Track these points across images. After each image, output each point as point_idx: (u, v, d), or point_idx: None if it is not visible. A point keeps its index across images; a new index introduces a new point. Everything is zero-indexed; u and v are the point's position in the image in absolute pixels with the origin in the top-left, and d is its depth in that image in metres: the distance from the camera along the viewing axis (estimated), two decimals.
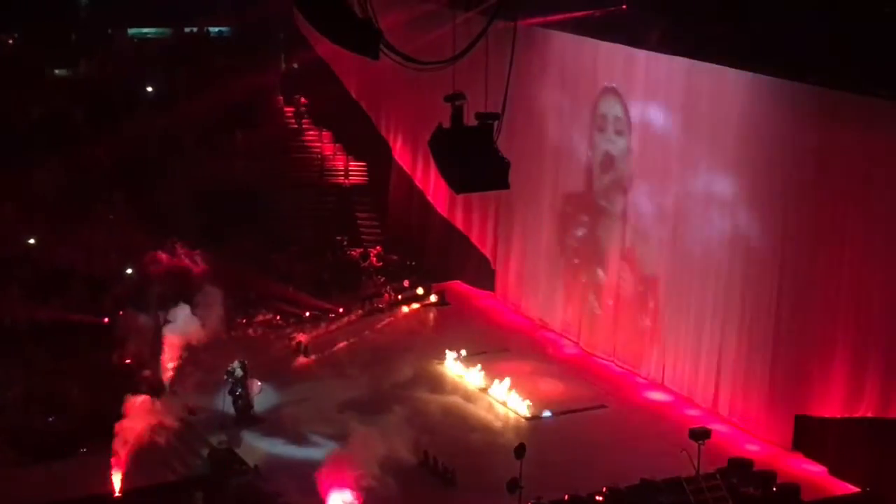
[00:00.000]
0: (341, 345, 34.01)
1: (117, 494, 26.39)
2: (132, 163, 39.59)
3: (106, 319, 33.65)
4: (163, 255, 35.99)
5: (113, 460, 26.55)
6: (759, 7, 26.76)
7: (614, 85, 32.14)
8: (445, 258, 39.16)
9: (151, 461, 27.41)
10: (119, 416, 27.23)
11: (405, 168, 40.58)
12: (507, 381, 30.85)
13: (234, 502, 25.93)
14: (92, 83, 42.98)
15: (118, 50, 44.99)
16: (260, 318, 35.32)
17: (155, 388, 29.66)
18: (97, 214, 37.28)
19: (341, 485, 24.29)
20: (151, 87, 43.37)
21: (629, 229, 32.40)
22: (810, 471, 27.29)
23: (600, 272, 33.35)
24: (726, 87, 29.05)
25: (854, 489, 26.39)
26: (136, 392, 28.31)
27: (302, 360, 32.87)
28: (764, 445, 28.42)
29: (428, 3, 34.72)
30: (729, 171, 29.37)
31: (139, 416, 27.37)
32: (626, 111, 31.89)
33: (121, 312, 33.29)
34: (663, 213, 31.36)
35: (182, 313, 30.52)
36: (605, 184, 33.01)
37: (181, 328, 30.28)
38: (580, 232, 34.02)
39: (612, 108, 32.37)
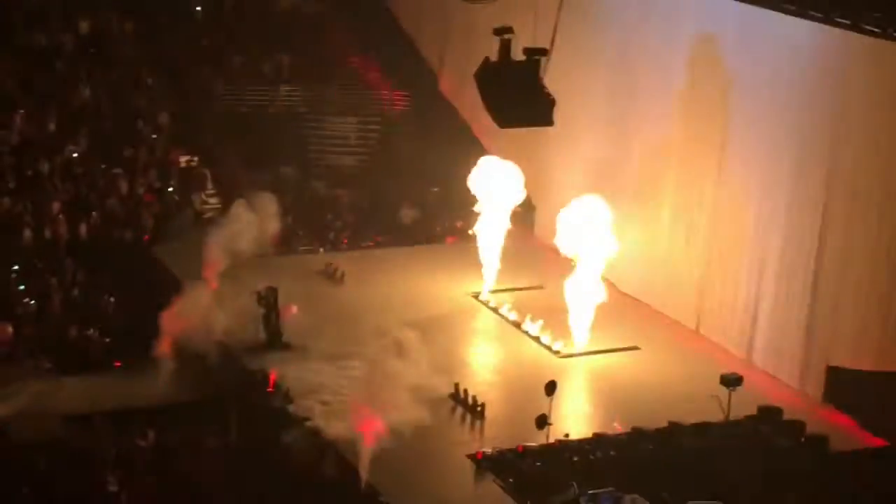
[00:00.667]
0: (377, 272, 34.14)
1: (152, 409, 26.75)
2: (176, 83, 39.67)
3: (146, 237, 33.90)
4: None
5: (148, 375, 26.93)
6: None
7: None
8: None
9: (185, 377, 27.77)
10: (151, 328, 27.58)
11: (452, 101, 40.36)
12: (541, 319, 30.90)
13: (264, 423, 26.21)
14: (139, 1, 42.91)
15: None
16: (297, 242, 35.52)
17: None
18: (140, 133, 37.39)
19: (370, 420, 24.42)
20: (196, 6, 43.16)
21: (676, 170, 32.23)
22: (840, 422, 27.31)
23: (643, 214, 33.18)
24: (789, 39, 28.55)
25: (883, 442, 26.43)
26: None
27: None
28: (796, 395, 28.44)
29: None
30: (781, 128, 29.04)
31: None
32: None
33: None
34: (709, 158, 31.19)
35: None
36: (658, 124, 32.76)
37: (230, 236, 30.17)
38: (623, 171, 33.84)
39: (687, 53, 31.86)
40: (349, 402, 25.44)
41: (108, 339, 29.60)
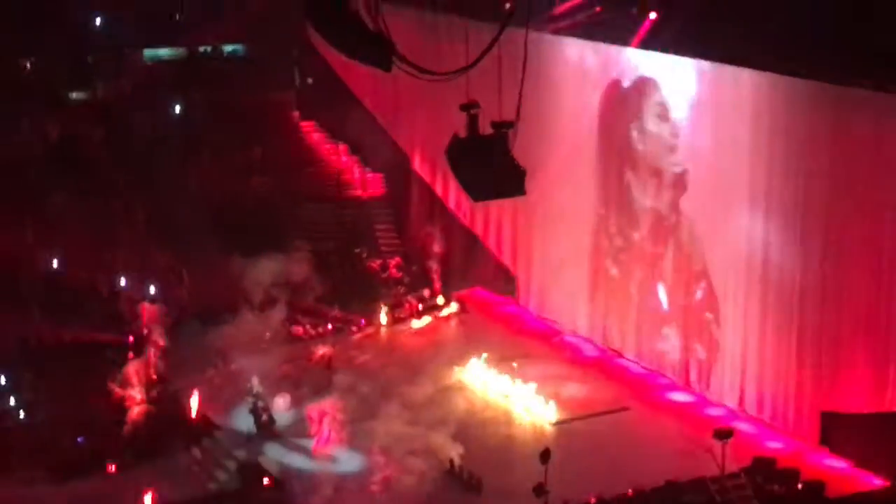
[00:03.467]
0: (362, 357, 34.17)
1: None
2: (151, 182, 39.85)
3: (130, 338, 33.89)
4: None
5: (142, 478, 26.79)
6: (769, 6, 26.87)
7: (653, 77, 32.14)
8: (467, 266, 39.27)
9: (179, 477, 27.67)
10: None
11: (424, 178, 40.72)
12: (531, 385, 30.95)
13: None
14: (108, 105, 43.25)
15: (133, 71, 45.23)
16: (281, 332, 35.52)
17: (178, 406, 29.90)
18: (118, 235, 37.49)
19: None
20: (167, 107, 43.63)
21: (652, 228, 32.50)
22: (836, 467, 27.32)
23: (624, 270, 33.41)
24: (741, 88, 29.14)
25: (881, 484, 26.43)
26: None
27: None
28: (789, 442, 28.48)
29: (439, 14, 34.86)
30: (747, 171, 29.40)
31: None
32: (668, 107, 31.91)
33: (145, 331, 33.55)
34: (685, 211, 31.47)
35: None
36: (624, 184, 33.08)
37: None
38: (599, 231, 34.11)
39: (646, 104, 32.40)
40: (346, 490, 25.44)
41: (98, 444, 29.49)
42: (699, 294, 31.33)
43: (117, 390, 30.86)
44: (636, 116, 32.31)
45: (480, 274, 38.86)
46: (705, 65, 29.87)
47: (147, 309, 34.04)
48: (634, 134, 32.50)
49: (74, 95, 44.08)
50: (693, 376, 31.51)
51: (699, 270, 31.24)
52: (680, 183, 31.46)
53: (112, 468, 28.52)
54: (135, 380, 30.98)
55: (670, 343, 32.14)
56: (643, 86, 32.04)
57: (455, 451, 27.41)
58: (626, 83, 32.51)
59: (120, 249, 37.00)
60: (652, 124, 31.94)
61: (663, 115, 31.66)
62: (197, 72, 44.39)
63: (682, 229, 31.66)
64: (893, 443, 26.45)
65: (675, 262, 31.92)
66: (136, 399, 30.59)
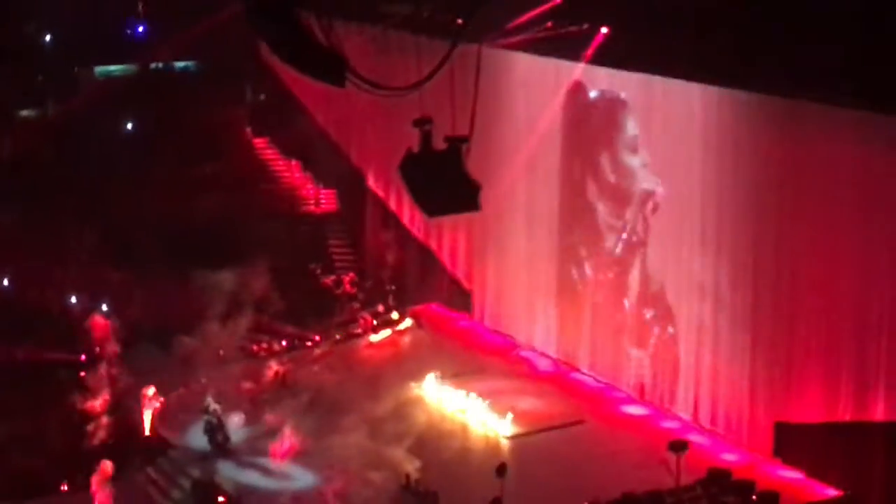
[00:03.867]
0: (318, 373, 34.09)
1: None
2: (102, 200, 39.60)
3: (83, 357, 33.67)
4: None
5: (95, 498, 26.57)
6: (719, 20, 27.04)
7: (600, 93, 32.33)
8: (422, 282, 39.31)
9: (134, 497, 27.49)
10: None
11: (379, 194, 40.71)
12: (486, 400, 30.97)
13: None
14: (59, 123, 42.98)
15: (84, 88, 45.00)
16: (236, 350, 35.38)
17: (132, 425, 29.73)
18: (69, 254, 37.25)
19: None
20: (119, 124, 43.40)
21: (607, 244, 32.63)
22: (790, 478, 27.49)
23: (577, 287, 33.55)
24: (693, 101, 29.36)
25: (833, 493, 26.63)
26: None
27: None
28: (744, 454, 28.63)
29: (391, 30, 34.89)
30: (697, 184, 29.65)
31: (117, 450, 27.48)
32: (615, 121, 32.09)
33: (98, 350, 33.34)
34: (640, 228, 31.63)
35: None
36: (581, 200, 33.21)
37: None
38: (555, 247, 34.22)
39: (592, 118, 32.58)
40: None
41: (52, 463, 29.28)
42: (653, 311, 31.49)
43: (79, 402, 30.64)
44: (606, 147, 32.37)
45: (435, 289, 38.90)
46: (657, 80, 30.05)
47: (98, 322, 33.81)
48: (605, 164, 32.56)
49: (24, 113, 43.79)
50: (647, 390, 31.62)
51: (656, 287, 31.39)
52: (647, 202, 31.61)
53: (65, 487, 28.27)
54: (96, 391, 30.76)
55: (625, 357, 32.26)
56: (611, 112, 32.12)
57: (411, 466, 27.38)
58: (585, 100, 32.58)
59: (71, 268, 36.74)
60: (625, 156, 32.07)
61: (633, 147, 31.84)
62: (149, 88, 44.21)
63: (643, 248, 31.82)
64: (845, 453, 26.68)
65: (632, 278, 32.05)
66: (97, 409, 30.34)
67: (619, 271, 32.48)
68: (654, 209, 31.29)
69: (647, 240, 31.60)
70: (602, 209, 32.77)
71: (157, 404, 30.75)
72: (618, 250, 32.43)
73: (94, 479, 26.96)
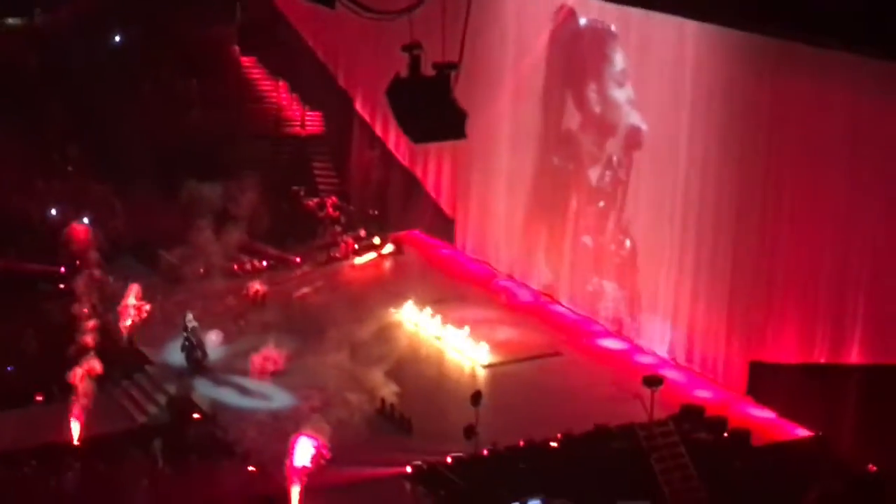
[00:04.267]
0: (297, 294, 34.16)
1: (76, 443, 26.54)
2: (87, 113, 39.37)
3: (62, 269, 33.62)
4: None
5: (71, 408, 26.66)
6: None
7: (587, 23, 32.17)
8: (405, 208, 39.31)
9: (109, 409, 27.60)
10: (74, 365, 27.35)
11: (365, 118, 40.55)
12: (464, 329, 31.08)
13: (191, 450, 26.11)
14: (45, 33, 42.57)
15: None
16: (217, 267, 35.38)
17: (111, 338, 29.74)
18: (52, 165, 37.09)
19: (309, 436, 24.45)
20: (107, 36, 43.01)
21: (590, 176, 32.59)
22: (762, 417, 27.74)
23: (560, 219, 33.56)
24: (685, 36, 29.21)
25: (805, 434, 26.88)
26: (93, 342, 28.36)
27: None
28: (718, 392, 28.85)
29: None
30: (683, 123, 29.61)
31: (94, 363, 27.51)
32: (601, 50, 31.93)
33: (77, 262, 33.29)
34: (623, 162, 31.62)
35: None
36: (567, 130, 33.13)
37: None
38: (540, 178, 34.20)
39: (580, 47, 32.43)
40: (278, 425, 25.51)
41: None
42: (631, 246, 31.57)
43: (58, 312, 30.68)
44: (594, 78, 32.25)
45: (419, 216, 38.91)
46: (649, 14, 29.87)
47: (78, 231, 33.73)
48: (592, 95, 32.49)
49: (10, 21, 43.35)
50: (625, 324, 31.79)
51: (636, 223, 31.44)
52: (633, 138, 31.55)
53: (41, 398, 28.34)
54: (76, 302, 30.76)
55: (603, 291, 32.37)
56: (600, 43, 31.96)
57: (388, 390, 27.47)
58: (575, 28, 32.43)
59: (54, 180, 36.58)
60: (612, 88, 31.96)
61: (621, 81, 31.71)
62: (139, 2, 43.77)
63: (625, 181, 31.83)
64: (819, 394, 26.90)
65: (613, 212, 32.10)
66: (76, 321, 30.34)
67: (599, 204, 32.50)
68: (638, 145, 31.26)
69: (629, 174, 31.58)
70: (585, 140, 32.70)
71: (134, 312, 30.54)
72: (599, 183, 32.42)
73: (77, 378, 26.96)
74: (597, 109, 32.30)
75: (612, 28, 31.61)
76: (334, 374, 27.46)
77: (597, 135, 32.38)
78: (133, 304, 30.39)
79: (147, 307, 30.72)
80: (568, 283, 33.51)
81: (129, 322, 30.32)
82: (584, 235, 32.90)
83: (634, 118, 31.27)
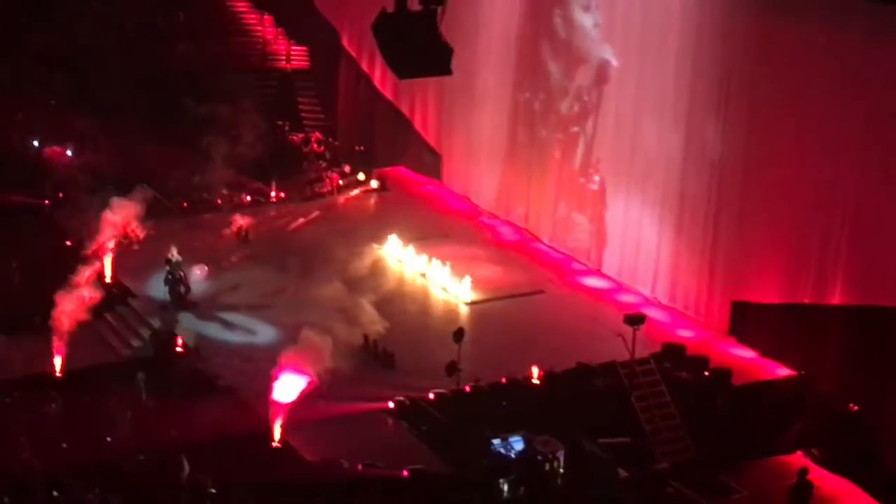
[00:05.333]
0: (281, 229, 34.14)
1: (58, 374, 26.57)
2: (71, 46, 39.05)
3: (47, 202, 33.51)
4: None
5: (54, 340, 26.66)
6: None
7: None
8: (391, 144, 39.20)
9: (92, 342, 27.61)
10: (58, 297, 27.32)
11: (352, 53, 40.31)
12: (447, 265, 31.10)
13: (174, 383, 26.16)
14: None
15: None
16: (200, 201, 35.32)
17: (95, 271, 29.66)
18: (35, 98, 36.83)
19: (294, 369, 24.53)
20: None
21: (578, 118, 32.50)
22: (744, 356, 27.90)
23: (547, 159, 33.49)
24: None
25: (786, 373, 27.05)
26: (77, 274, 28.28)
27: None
28: (700, 331, 28.99)
29: None
30: (671, 66, 29.50)
31: (78, 298, 27.44)
32: None
33: (61, 195, 33.21)
34: (608, 103, 31.55)
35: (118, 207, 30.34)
36: (554, 70, 32.99)
37: (122, 211, 30.12)
38: (526, 118, 34.10)
39: None
40: (262, 359, 25.58)
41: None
42: (602, 180, 31.65)
43: (42, 244, 30.61)
44: (560, 3, 32.15)
45: (405, 153, 38.83)
46: None
47: (61, 158, 33.55)
48: (558, 21, 32.35)
49: None
50: (605, 262, 31.84)
51: (613, 157, 31.43)
52: (603, 72, 31.45)
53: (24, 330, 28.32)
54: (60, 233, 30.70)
55: (585, 228, 32.39)
56: None
57: (374, 326, 27.42)
58: None
59: (36, 112, 36.34)
60: (576, 13, 31.82)
61: (587, 6, 31.58)
62: None
63: (600, 119, 31.76)
64: (800, 334, 27.06)
65: (591, 148, 32.09)
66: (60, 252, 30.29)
67: (569, 137, 32.51)
68: (607, 79, 31.19)
69: (600, 106, 31.55)
70: (560, 76, 32.60)
71: (113, 245, 30.38)
72: (569, 113, 32.37)
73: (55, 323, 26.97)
74: (563, 37, 32.16)
75: None
76: (318, 308, 27.45)
77: (576, 72, 32.26)
78: (111, 237, 30.14)
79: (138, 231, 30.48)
80: (549, 222, 33.51)
81: (108, 255, 30.14)
82: (567, 173, 32.82)
83: (604, 50, 31.15)
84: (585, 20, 31.64)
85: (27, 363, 26.62)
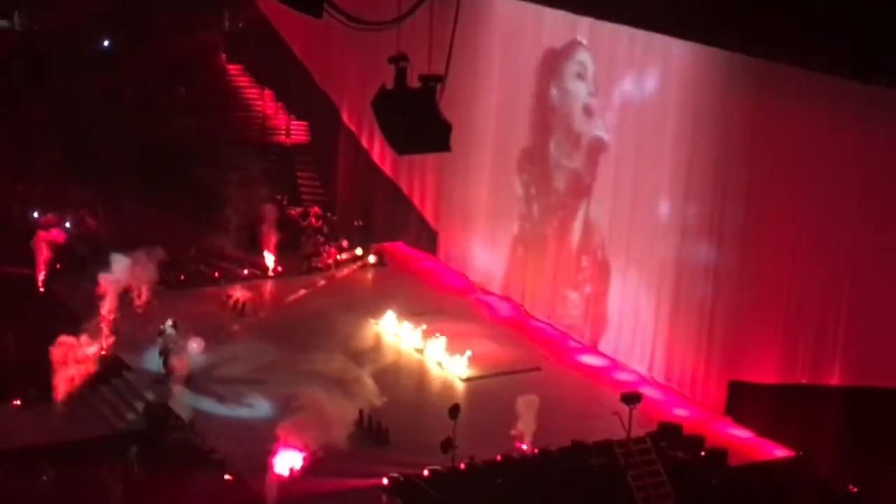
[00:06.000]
0: (278, 303, 34.11)
1: (52, 446, 26.40)
2: (71, 117, 39.28)
3: (43, 272, 33.50)
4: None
5: (48, 412, 26.55)
6: None
7: (579, 39, 32.21)
8: (390, 220, 39.31)
9: (86, 414, 27.49)
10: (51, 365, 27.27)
11: (352, 129, 40.52)
12: (443, 341, 31.04)
13: (168, 457, 26.00)
14: (31, 35, 42.49)
15: (59, 2, 44.43)
16: (197, 274, 35.31)
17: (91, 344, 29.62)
18: (34, 169, 36.98)
19: (290, 445, 24.38)
20: (92, 41, 42.95)
21: (575, 192, 32.63)
22: (740, 436, 27.75)
23: (543, 235, 33.58)
24: (670, 56, 29.29)
25: (783, 454, 26.90)
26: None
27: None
28: (696, 410, 28.86)
29: None
30: (668, 143, 29.65)
31: (74, 367, 27.39)
32: (590, 70, 32.01)
33: (58, 265, 33.24)
34: (606, 181, 31.66)
35: (120, 267, 30.33)
36: (552, 148, 33.18)
37: (118, 282, 30.13)
38: (523, 195, 34.22)
39: (568, 66, 32.52)
40: (256, 433, 25.43)
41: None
42: (605, 259, 31.70)
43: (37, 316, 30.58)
44: (557, 74, 32.43)
45: (403, 228, 38.90)
46: (637, 32, 29.94)
47: (56, 236, 33.69)
48: (553, 92, 32.66)
49: None
50: (602, 340, 31.78)
51: (610, 235, 31.49)
52: (597, 148, 31.63)
53: (18, 402, 28.20)
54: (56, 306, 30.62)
55: (582, 307, 32.37)
56: (569, 47, 32.18)
57: (375, 400, 27.26)
58: (557, 46, 32.57)
59: (36, 183, 36.47)
60: (569, 83, 32.11)
61: (582, 74, 31.90)
62: (125, 6, 43.71)
63: (596, 195, 31.89)
64: (798, 415, 26.94)
65: (588, 225, 32.19)
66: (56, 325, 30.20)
67: (566, 214, 32.67)
68: (602, 156, 31.36)
69: (592, 186, 31.77)
70: (558, 152, 32.78)
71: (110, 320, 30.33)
72: (566, 190, 32.58)
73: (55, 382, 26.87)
74: (560, 114, 32.42)
75: (584, 41, 31.66)
76: (315, 381, 27.36)
77: (572, 148, 32.42)
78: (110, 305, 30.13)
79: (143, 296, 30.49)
80: (546, 298, 33.48)
81: (105, 329, 30.12)
82: (564, 251, 32.86)
83: (599, 126, 31.36)
84: (580, 93, 31.88)
85: (20, 434, 26.48)
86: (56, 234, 34.32)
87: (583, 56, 31.87)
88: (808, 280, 26.70)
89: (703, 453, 26.69)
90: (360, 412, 27.13)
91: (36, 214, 36.11)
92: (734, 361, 28.44)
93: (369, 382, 27.59)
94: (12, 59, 40.61)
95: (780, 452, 26.99)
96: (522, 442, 26.10)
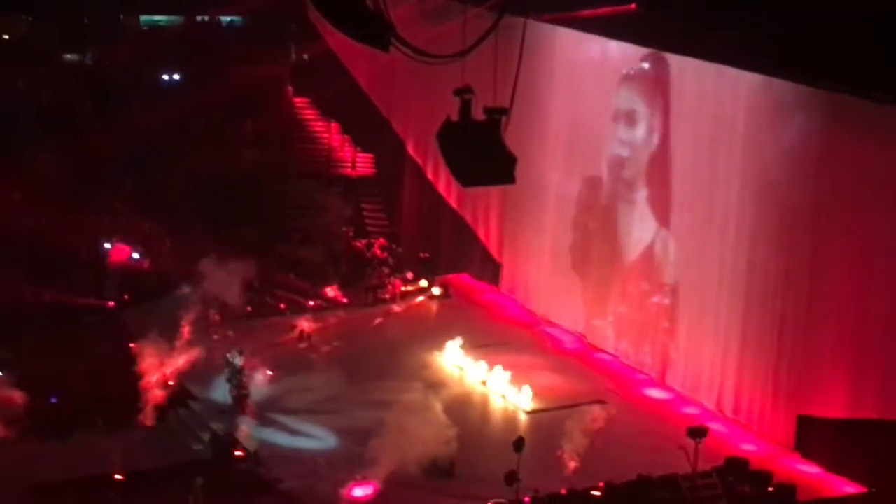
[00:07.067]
0: (344, 334, 34.21)
1: (118, 476, 26.61)
2: (140, 150, 39.74)
3: (111, 304, 33.86)
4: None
5: (115, 442, 26.77)
6: (769, 10, 26.83)
7: (631, 72, 32.21)
8: (455, 251, 39.37)
9: (153, 445, 27.67)
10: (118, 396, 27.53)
11: (417, 161, 40.69)
12: (507, 374, 30.97)
13: (233, 488, 26.11)
14: (101, 69, 43.12)
15: (129, 36, 45.12)
16: (263, 305, 35.52)
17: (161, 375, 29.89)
18: (103, 201, 37.44)
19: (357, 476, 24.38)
20: (161, 74, 43.53)
21: (640, 227, 32.54)
22: (808, 472, 27.42)
23: (608, 268, 33.48)
24: (737, 89, 29.15)
25: (853, 490, 26.54)
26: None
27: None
28: (764, 445, 28.56)
29: None
30: (736, 176, 29.47)
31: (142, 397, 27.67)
32: (645, 104, 31.98)
33: (126, 297, 33.57)
34: (673, 214, 31.53)
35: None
36: (616, 180, 33.12)
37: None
38: (588, 228, 34.17)
39: (626, 101, 32.49)
40: (322, 466, 25.48)
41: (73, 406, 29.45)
42: (674, 294, 31.46)
43: (105, 347, 30.86)
44: (623, 105, 32.38)
45: (467, 260, 38.95)
46: (697, 63, 29.86)
47: (120, 253, 34.04)
48: (620, 123, 32.64)
49: (68, 57, 43.91)
50: (669, 374, 31.58)
51: (679, 272, 31.31)
52: (664, 181, 31.53)
53: (85, 432, 28.44)
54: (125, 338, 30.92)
55: (649, 340, 32.19)
56: (635, 77, 32.12)
57: (446, 432, 27.17)
58: (622, 75, 32.52)
59: (104, 214, 36.91)
60: (636, 114, 32.04)
61: (649, 106, 31.76)
62: (193, 41, 44.28)
63: (663, 229, 31.75)
64: (867, 450, 26.57)
65: (655, 261, 32.02)
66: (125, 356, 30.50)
67: (632, 248, 32.44)
68: (668, 185, 31.27)
69: (659, 219, 31.61)
70: (620, 188, 32.68)
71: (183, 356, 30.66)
72: (631, 224, 32.45)
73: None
74: (626, 153, 32.31)
75: (651, 71, 31.61)
76: (378, 415, 27.37)
77: (631, 178, 32.31)
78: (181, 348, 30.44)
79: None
80: (612, 332, 33.35)
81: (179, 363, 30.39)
82: (635, 284, 32.74)
83: (672, 173, 31.22)
84: (646, 124, 31.82)
85: (86, 464, 26.71)
86: (125, 265, 34.69)
87: (649, 87, 31.83)
88: (876, 314, 26.39)
89: (770, 489, 26.37)
90: (425, 444, 27.01)
91: (107, 245, 36.51)
92: (802, 396, 28.15)
93: (441, 415, 27.53)
94: (82, 92, 41.17)
95: (850, 489, 26.62)
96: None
